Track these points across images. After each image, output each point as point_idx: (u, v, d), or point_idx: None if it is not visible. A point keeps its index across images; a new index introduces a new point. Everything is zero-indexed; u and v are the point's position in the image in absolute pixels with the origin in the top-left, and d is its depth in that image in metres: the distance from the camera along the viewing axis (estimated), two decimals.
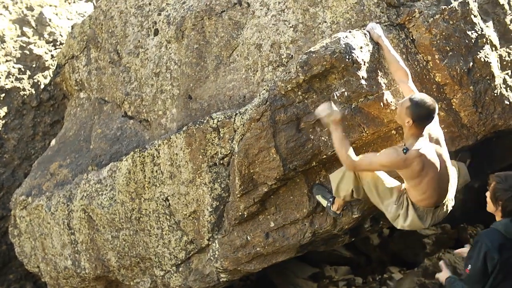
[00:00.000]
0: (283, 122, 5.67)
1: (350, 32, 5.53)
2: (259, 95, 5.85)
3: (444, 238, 9.38)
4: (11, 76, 8.85)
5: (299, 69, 5.51)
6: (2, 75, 8.76)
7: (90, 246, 7.28)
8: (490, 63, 5.61)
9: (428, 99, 5.00)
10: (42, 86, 9.08)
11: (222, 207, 6.32)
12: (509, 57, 5.86)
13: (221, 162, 6.17)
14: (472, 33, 5.55)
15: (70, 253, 7.48)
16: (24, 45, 9.01)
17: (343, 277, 9.44)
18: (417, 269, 8.74)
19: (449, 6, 5.53)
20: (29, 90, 8.99)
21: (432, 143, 5.15)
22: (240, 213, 6.18)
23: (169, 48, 6.93)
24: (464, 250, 5.12)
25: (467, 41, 5.53)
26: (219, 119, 6.10)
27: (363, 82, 5.41)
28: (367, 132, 5.55)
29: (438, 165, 5.12)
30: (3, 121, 8.88)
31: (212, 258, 6.55)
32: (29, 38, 9.05)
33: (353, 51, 5.38)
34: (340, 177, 5.60)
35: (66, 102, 8.84)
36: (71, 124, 8.15)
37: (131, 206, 6.86)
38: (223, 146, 6.10)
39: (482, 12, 5.71)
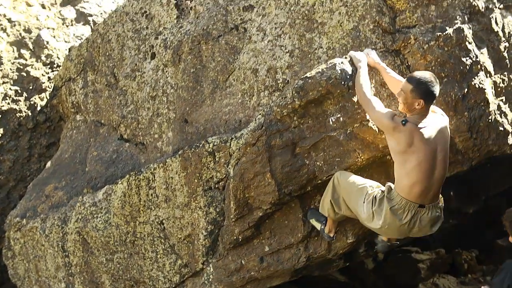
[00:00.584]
0: (279, 147, 5.69)
1: (346, 58, 5.57)
2: (255, 120, 5.87)
3: (439, 263, 9.37)
4: (7, 97, 8.86)
5: (295, 94, 5.54)
6: None
7: (84, 268, 7.26)
8: (485, 89, 5.63)
9: (431, 76, 4.98)
10: (38, 108, 9.09)
11: (217, 231, 6.31)
12: (503, 83, 5.88)
13: (216, 186, 6.17)
14: (467, 60, 5.58)
15: (64, 276, 7.45)
16: (21, 67, 9.03)
17: None
18: None
19: (444, 33, 5.56)
20: (25, 112, 8.99)
21: (436, 130, 5.00)
22: (235, 237, 6.17)
23: (166, 71, 6.97)
24: None
25: (462, 68, 5.56)
26: (215, 143, 6.12)
27: (358, 107, 5.43)
28: (362, 157, 5.56)
29: (430, 152, 4.92)
30: None
31: (206, 282, 6.53)
32: (26, 60, 9.07)
33: (348, 77, 5.41)
34: (324, 194, 5.64)
35: (62, 124, 8.84)
36: (67, 146, 8.16)
37: (126, 229, 6.85)
38: (218, 170, 6.12)
39: (477, 39, 5.74)
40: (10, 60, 8.96)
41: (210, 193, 6.22)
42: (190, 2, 7.00)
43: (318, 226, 5.94)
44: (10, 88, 8.91)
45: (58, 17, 9.58)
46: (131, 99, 7.32)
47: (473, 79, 5.59)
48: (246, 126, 6.03)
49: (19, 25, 9.16)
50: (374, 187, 5.29)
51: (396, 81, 5.33)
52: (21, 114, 8.99)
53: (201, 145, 6.22)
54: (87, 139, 7.89)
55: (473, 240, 9.59)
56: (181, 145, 6.60)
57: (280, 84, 6.07)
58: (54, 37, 9.38)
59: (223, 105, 6.42)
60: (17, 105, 8.96)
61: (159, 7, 7.26)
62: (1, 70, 8.84)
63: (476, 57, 5.62)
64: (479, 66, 5.62)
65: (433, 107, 5.18)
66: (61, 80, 8.39)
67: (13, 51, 9.03)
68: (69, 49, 9.01)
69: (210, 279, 6.48)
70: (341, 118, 5.50)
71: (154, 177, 6.57)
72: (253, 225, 6.08)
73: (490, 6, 5.78)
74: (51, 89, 9.07)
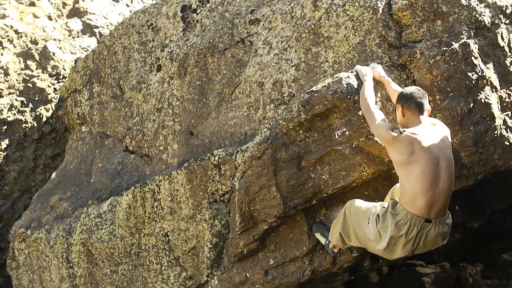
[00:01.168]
0: (284, 161, 5.70)
1: (352, 72, 5.59)
2: (261, 133, 5.88)
3: (443, 277, 9.34)
4: (13, 108, 8.89)
5: (301, 108, 5.55)
6: (4, 107, 8.80)
7: (89, 280, 7.25)
8: (491, 104, 5.64)
9: (413, 89, 5.08)
10: (44, 119, 9.11)
11: (221, 243, 6.31)
12: (509, 98, 5.89)
13: (222, 199, 6.18)
14: (472, 75, 5.59)
15: (68, 287, 7.44)
16: (28, 78, 9.06)
17: None
18: None
19: (450, 48, 5.57)
20: (31, 122, 9.01)
21: (436, 138, 4.95)
22: (240, 250, 6.17)
23: (172, 84, 6.99)
24: None
25: (467, 82, 5.57)
26: (220, 156, 6.13)
27: (364, 121, 5.43)
28: (368, 171, 5.57)
29: (432, 159, 4.82)
30: (4, 153, 8.89)
31: None
32: (32, 71, 9.10)
33: (354, 91, 5.43)
34: (334, 222, 5.65)
35: (67, 136, 8.86)
36: (72, 157, 8.18)
37: (130, 241, 6.85)
38: (223, 183, 6.12)
39: (483, 54, 5.76)
40: (16, 71, 9.00)
41: (215, 206, 6.22)
42: (197, 15, 7.03)
43: (323, 240, 5.94)
44: (16, 99, 8.94)
45: (65, 29, 9.62)
46: (137, 111, 7.34)
47: (479, 94, 5.60)
48: (252, 139, 6.05)
49: (26, 36, 9.20)
50: (377, 206, 5.25)
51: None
52: (27, 125, 9.01)
53: (206, 158, 6.23)
54: (92, 150, 7.91)
55: (478, 255, 9.57)
56: (187, 158, 6.61)
57: (286, 97, 6.09)
58: (60, 48, 9.42)
59: (229, 118, 6.44)
60: (23, 116, 8.99)
61: (165, 19, 7.30)
62: (7, 81, 8.87)
63: (482, 72, 5.62)
64: (485, 81, 5.63)
65: (433, 120, 5.20)
66: (67, 92, 8.42)
67: (20, 62, 9.06)
68: (75, 60, 9.07)
69: None
70: (346, 132, 5.51)
71: (159, 189, 6.58)
72: (258, 238, 6.08)
73: (496, 21, 5.79)
74: (56, 100, 9.10)
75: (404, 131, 4.86)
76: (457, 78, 5.56)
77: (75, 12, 9.88)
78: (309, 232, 6.03)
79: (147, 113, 7.21)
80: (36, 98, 9.10)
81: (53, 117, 9.13)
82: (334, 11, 6.00)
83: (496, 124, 5.68)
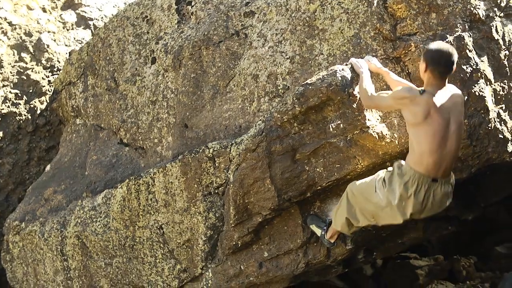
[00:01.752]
0: (279, 153, 5.71)
1: (346, 64, 5.59)
2: (255, 126, 5.88)
3: (437, 269, 9.36)
4: (7, 101, 8.86)
5: (296, 100, 5.55)
6: None
7: (83, 273, 7.25)
8: (485, 97, 5.64)
9: (444, 45, 4.96)
10: (38, 112, 9.09)
11: (216, 236, 6.32)
12: (503, 91, 5.90)
13: (216, 191, 6.18)
14: (467, 68, 5.59)
15: (63, 280, 7.44)
16: (22, 70, 9.04)
17: None
18: None
19: (445, 41, 5.57)
20: (25, 115, 8.99)
21: (451, 102, 4.95)
22: (234, 243, 6.17)
23: (166, 76, 6.98)
24: None
25: (462, 75, 5.57)
26: (215, 149, 6.13)
27: (358, 114, 5.44)
28: (362, 164, 5.58)
29: (444, 123, 4.86)
30: None
31: (205, 287, 6.53)
32: (26, 63, 9.08)
33: (349, 83, 5.43)
34: (336, 211, 5.63)
35: (62, 128, 8.85)
36: (66, 150, 8.16)
37: (125, 234, 6.85)
38: (218, 176, 6.12)
39: (477, 47, 5.76)
40: (10, 64, 8.97)
41: (210, 199, 6.23)
42: (191, 7, 7.01)
43: (318, 232, 5.95)
44: (10, 92, 8.92)
45: (59, 21, 9.60)
46: (131, 103, 7.33)
47: (473, 86, 5.61)
48: (246, 131, 6.04)
49: (20, 28, 9.17)
50: (380, 173, 5.27)
51: (401, 84, 5.32)
52: (21, 118, 8.99)
53: (201, 150, 6.23)
54: (86, 143, 7.90)
55: (472, 247, 9.60)
56: (181, 150, 6.61)
57: (280, 90, 6.08)
58: (54, 40, 9.39)
59: (223, 111, 6.43)
60: (17, 109, 8.96)
61: (160, 12, 7.28)
62: (1, 73, 8.85)
63: (476, 65, 5.63)
64: (479, 74, 5.64)
65: (452, 87, 5.13)
66: (61, 84, 8.39)
67: (14, 55, 9.04)
68: (70, 53, 9.03)
69: (209, 284, 6.49)
70: (341, 125, 5.51)
71: (154, 182, 6.57)
72: (253, 231, 6.08)
73: (491, 14, 5.80)
74: (51, 93, 9.08)
75: (424, 91, 4.89)
76: None
77: (70, 4, 9.85)
78: (303, 224, 6.03)
79: (142, 105, 7.19)
80: (31, 91, 9.08)
81: (47, 109, 9.11)
82: (329, 4, 6.00)
83: (490, 117, 5.69)
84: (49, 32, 9.40)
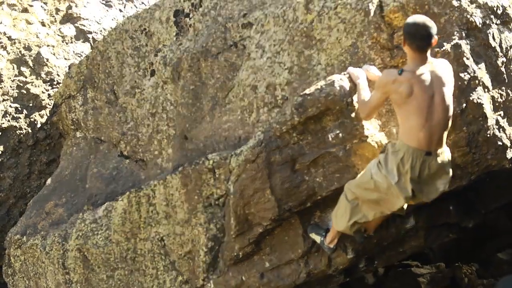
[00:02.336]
0: (278, 164, 5.72)
1: (344, 74, 5.60)
2: (255, 137, 5.90)
3: (439, 277, 9.34)
4: (7, 115, 8.88)
5: (294, 111, 5.57)
6: None
7: (85, 285, 7.24)
8: (483, 104, 5.66)
9: (419, 18, 5.00)
10: (38, 125, 9.10)
11: (217, 247, 6.32)
12: (501, 98, 5.91)
13: (217, 202, 6.19)
14: (464, 75, 5.60)
15: None
16: (21, 84, 9.05)
17: None
18: None
19: (442, 49, 5.59)
20: (25, 129, 9.01)
21: (434, 76, 4.99)
22: (235, 254, 6.18)
23: (165, 88, 7.01)
24: None
25: (460, 83, 5.57)
26: (215, 160, 6.14)
27: (357, 124, 5.46)
28: None
29: (428, 97, 4.94)
30: None
31: None
32: (26, 77, 9.09)
33: (347, 93, 5.45)
34: (335, 212, 5.64)
35: (62, 141, 8.85)
36: (67, 163, 8.17)
37: (126, 246, 6.86)
38: (218, 187, 6.13)
39: (475, 55, 5.77)
40: (10, 78, 8.99)
41: (210, 210, 6.24)
42: (189, 19, 7.04)
43: (318, 239, 5.95)
44: (10, 106, 8.93)
45: (58, 35, 9.62)
46: (131, 116, 7.35)
47: (471, 94, 5.62)
48: (246, 142, 6.05)
49: (19, 42, 9.19)
50: (372, 162, 5.32)
51: None
52: (21, 131, 9.00)
53: (201, 162, 6.24)
54: (87, 156, 7.91)
55: (473, 254, 9.58)
56: (181, 162, 6.62)
57: (279, 100, 6.10)
58: (54, 54, 9.41)
59: (223, 122, 6.45)
60: (17, 122, 8.98)
61: (158, 24, 7.30)
62: (1, 87, 8.87)
63: (474, 72, 5.64)
64: (477, 81, 5.65)
65: (435, 60, 5.15)
66: (61, 97, 8.40)
67: (13, 69, 9.06)
68: (69, 66, 9.05)
69: None
70: (340, 134, 5.53)
71: (155, 194, 6.59)
72: (253, 241, 6.09)
73: (487, 22, 5.81)
74: (51, 106, 9.09)
75: (402, 70, 4.95)
76: None
77: (68, 18, 9.87)
78: (304, 234, 6.04)
79: (142, 118, 7.21)
80: (31, 104, 9.10)
81: (47, 123, 9.12)
82: (326, 14, 6.01)
83: (488, 124, 5.70)
84: (48, 46, 9.43)
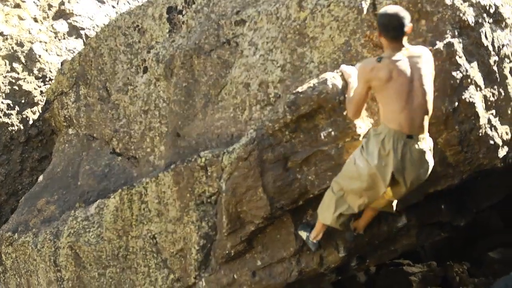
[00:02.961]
0: (271, 162, 5.71)
1: (337, 72, 5.60)
2: (247, 134, 5.89)
3: (431, 276, 9.36)
4: None
5: (287, 109, 5.56)
6: None
7: (76, 283, 7.23)
8: (475, 103, 5.66)
9: (391, 9, 5.10)
10: (30, 122, 9.08)
11: (209, 245, 6.31)
12: (493, 97, 5.91)
13: (209, 200, 6.18)
14: (457, 74, 5.60)
15: None
16: (14, 80, 9.02)
17: None
18: None
19: (435, 48, 5.58)
20: (17, 125, 8.98)
21: (412, 62, 5.07)
22: (227, 252, 6.17)
23: (158, 85, 6.99)
24: None
25: (452, 82, 5.58)
26: (207, 158, 6.13)
27: (350, 122, 5.46)
28: None
29: (407, 82, 5.00)
30: None
31: None
32: (18, 74, 9.07)
33: (340, 91, 5.44)
34: (320, 206, 5.62)
35: (54, 138, 8.83)
36: (59, 160, 8.15)
37: (118, 244, 6.84)
38: (210, 185, 6.13)
39: (467, 53, 5.77)
40: (2, 74, 8.96)
41: (202, 208, 6.23)
42: (182, 16, 7.03)
43: (304, 235, 5.95)
44: (2, 102, 8.91)
45: (51, 31, 9.60)
46: (123, 113, 7.33)
47: (464, 93, 5.62)
48: (238, 140, 6.05)
49: (11, 38, 9.16)
50: (355, 152, 5.35)
51: None
52: (13, 128, 8.97)
53: (193, 160, 6.23)
54: (79, 153, 7.89)
55: (465, 253, 9.61)
56: (173, 159, 6.61)
57: (271, 98, 6.09)
58: (46, 50, 9.39)
59: (215, 119, 6.44)
60: (9, 119, 8.95)
61: (151, 21, 7.29)
62: None
63: (466, 71, 5.64)
64: (469, 80, 5.65)
65: (413, 47, 5.21)
66: (53, 94, 8.38)
67: (5, 65, 9.03)
68: (62, 62, 9.04)
69: None
70: (332, 133, 5.53)
71: (147, 192, 6.58)
72: (245, 240, 6.09)
73: (480, 20, 5.81)
74: (43, 103, 9.07)
75: (381, 58, 5.02)
76: (441, 78, 5.56)
77: (61, 14, 9.85)
78: (296, 233, 6.04)
79: (134, 115, 7.20)
80: (23, 101, 9.07)
81: (39, 119, 9.10)
82: (319, 12, 6.01)
83: (480, 123, 5.71)
84: (40, 42, 9.40)
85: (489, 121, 5.83)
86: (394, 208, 5.67)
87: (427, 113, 5.13)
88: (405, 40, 5.07)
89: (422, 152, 5.12)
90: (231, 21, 6.59)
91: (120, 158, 7.29)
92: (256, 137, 5.75)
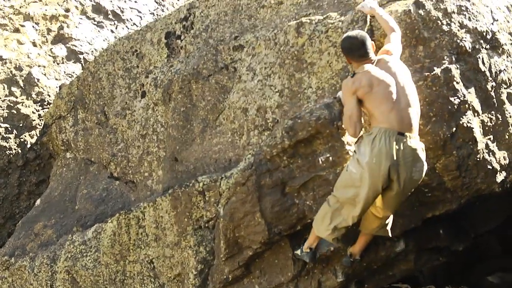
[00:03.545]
0: (268, 187, 5.72)
1: (335, 98, 5.62)
2: (245, 159, 5.90)
3: None
4: None
5: (285, 134, 5.58)
6: None
7: None
8: (473, 128, 5.67)
9: (350, 35, 5.35)
10: (28, 146, 9.07)
11: (207, 270, 6.29)
12: (491, 122, 5.92)
13: (206, 225, 6.18)
14: (454, 99, 5.62)
15: None
16: (12, 104, 9.04)
17: None
18: None
19: (432, 73, 5.61)
20: (15, 149, 8.97)
21: (385, 68, 5.20)
22: (225, 277, 6.15)
23: (156, 110, 7.01)
24: None
25: (450, 107, 5.60)
26: (205, 183, 6.13)
27: (347, 147, 5.47)
28: None
29: (391, 83, 5.11)
30: None
31: None
32: (16, 97, 9.08)
33: (337, 117, 5.46)
34: (315, 219, 5.58)
35: (52, 162, 8.82)
36: (56, 184, 8.14)
37: (115, 268, 6.82)
38: (208, 210, 6.12)
39: (464, 79, 5.79)
40: (0, 98, 8.97)
41: (200, 232, 6.22)
42: (181, 41, 7.06)
43: (298, 251, 5.92)
44: (0, 126, 8.91)
45: (49, 55, 9.63)
46: (121, 137, 7.34)
47: (461, 118, 5.63)
48: (236, 165, 6.05)
49: (10, 62, 9.19)
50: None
51: (386, 24, 5.62)
52: (11, 152, 8.97)
53: (191, 184, 6.23)
54: (77, 177, 7.88)
55: (463, 277, 9.56)
56: (171, 184, 6.61)
57: (269, 123, 6.10)
58: (45, 74, 9.41)
59: (213, 144, 6.45)
60: (7, 143, 8.95)
61: (149, 46, 7.32)
62: None
63: (464, 96, 5.66)
64: (467, 106, 5.66)
65: (382, 56, 5.33)
66: (52, 118, 8.39)
67: (4, 89, 9.04)
68: (60, 86, 9.05)
69: None
70: (330, 158, 5.54)
71: (144, 216, 6.57)
72: (243, 265, 6.07)
73: (477, 46, 5.84)
74: (41, 127, 9.07)
75: (354, 73, 5.19)
76: (439, 103, 5.59)
77: (60, 38, 9.88)
78: (294, 257, 6.02)
79: (132, 139, 7.21)
80: (21, 125, 9.07)
81: (37, 143, 9.09)
82: (317, 37, 6.04)
83: (478, 148, 5.71)
84: (39, 66, 9.43)
85: (487, 146, 5.84)
86: (390, 232, 5.65)
87: (416, 111, 5.22)
88: (372, 55, 5.25)
89: (414, 149, 5.15)
90: (229, 46, 6.62)
91: (118, 182, 7.29)
92: (254, 162, 5.76)
